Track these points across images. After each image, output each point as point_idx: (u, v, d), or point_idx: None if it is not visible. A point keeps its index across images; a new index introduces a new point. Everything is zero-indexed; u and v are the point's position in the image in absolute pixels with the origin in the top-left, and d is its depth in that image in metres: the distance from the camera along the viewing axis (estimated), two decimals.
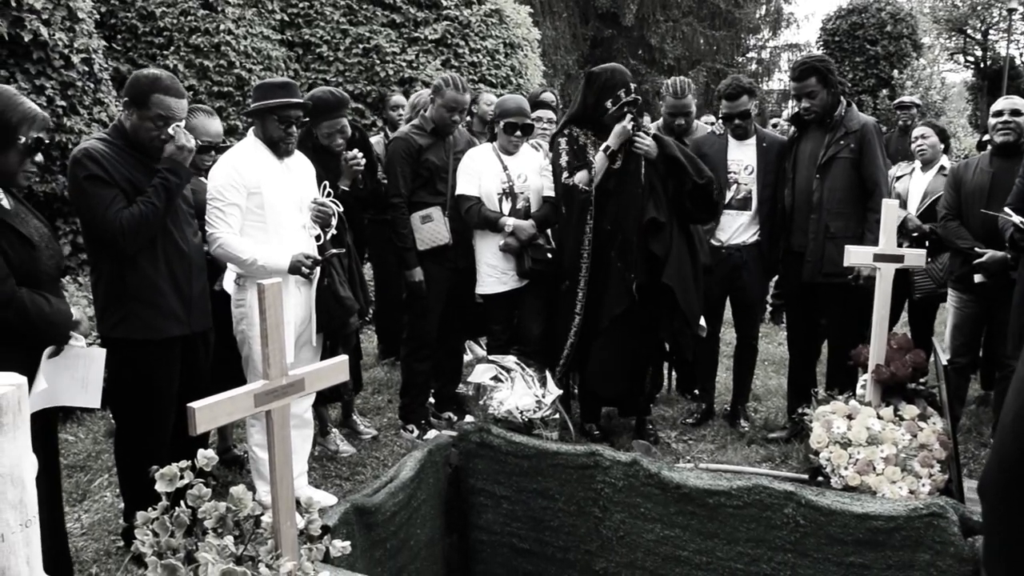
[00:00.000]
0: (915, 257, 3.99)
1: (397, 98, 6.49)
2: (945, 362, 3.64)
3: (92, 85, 6.95)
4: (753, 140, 5.09)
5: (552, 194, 4.91)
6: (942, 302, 5.42)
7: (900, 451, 3.53)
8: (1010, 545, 1.29)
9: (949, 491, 3.44)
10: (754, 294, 5.28)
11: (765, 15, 32.59)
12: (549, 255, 4.83)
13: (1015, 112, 4.69)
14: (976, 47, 36.67)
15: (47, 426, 2.98)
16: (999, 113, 4.75)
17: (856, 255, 3.97)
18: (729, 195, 5.06)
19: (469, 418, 5.01)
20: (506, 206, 4.85)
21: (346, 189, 4.50)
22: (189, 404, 1.96)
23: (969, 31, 36.18)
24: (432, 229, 4.83)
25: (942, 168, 5.60)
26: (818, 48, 19.30)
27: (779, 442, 5.02)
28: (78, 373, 3.00)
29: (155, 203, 3.26)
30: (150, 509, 2.02)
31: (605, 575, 3.52)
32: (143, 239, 3.29)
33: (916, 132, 5.84)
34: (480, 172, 4.86)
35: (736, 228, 5.08)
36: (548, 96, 5.97)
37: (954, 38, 36.84)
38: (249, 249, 3.72)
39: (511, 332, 5.03)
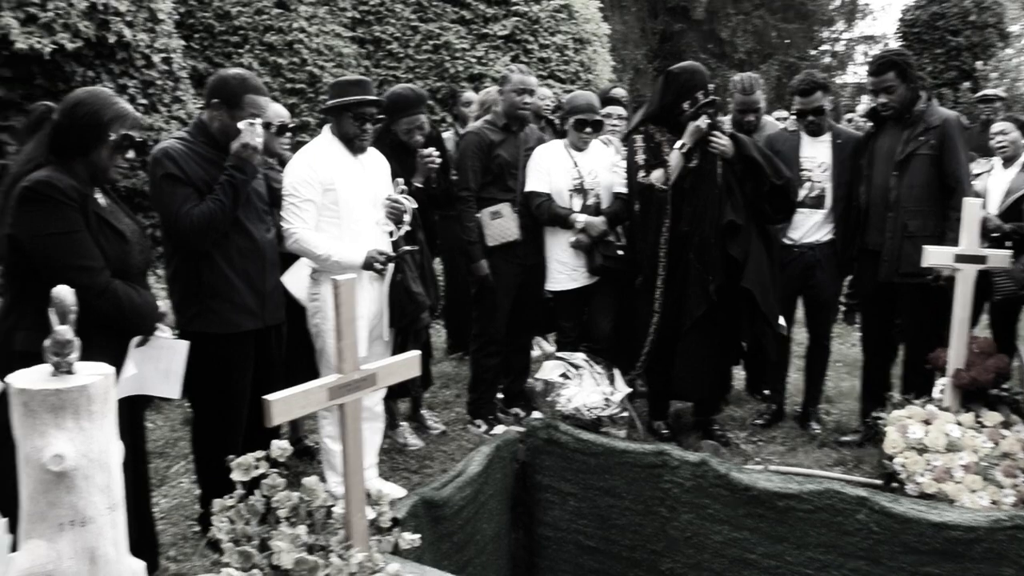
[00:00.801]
0: (999, 258, 3.87)
1: (468, 94, 6.52)
2: None
3: (171, 83, 7.14)
4: (827, 137, 4.99)
5: (623, 190, 4.89)
6: None
7: (981, 459, 3.43)
8: None
9: None
10: (827, 293, 5.18)
11: (840, 6, 31.78)
12: (620, 252, 4.82)
13: None
14: None
15: (134, 413, 3.09)
16: None
17: (936, 255, 3.87)
18: (802, 193, 4.97)
19: (537, 414, 5.02)
20: (576, 202, 4.85)
21: (419, 186, 4.54)
22: (265, 396, 2.00)
23: None
24: (502, 225, 4.84)
25: None
26: (896, 40, 18.76)
27: (852, 446, 4.92)
28: (162, 364, 3.09)
29: (222, 200, 3.31)
30: (226, 497, 2.07)
31: None
32: (212, 236, 3.35)
33: (995, 128, 5.64)
34: (550, 169, 4.87)
35: (809, 227, 4.98)
36: (618, 92, 5.95)
37: None
38: (324, 244, 3.79)
39: (580, 329, 5.03)
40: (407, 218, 4.12)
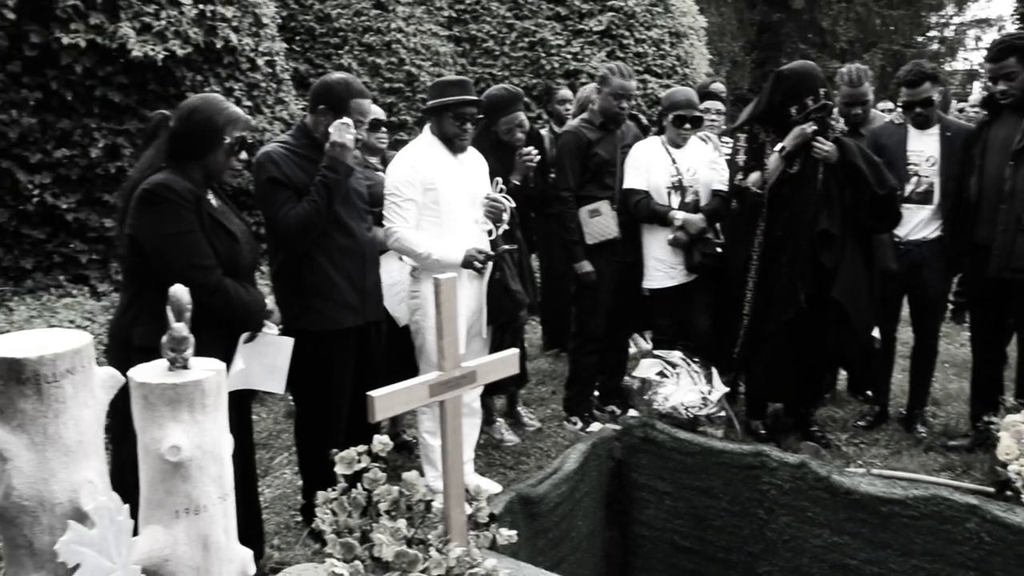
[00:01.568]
0: None
1: (564, 92, 6.52)
2: None
3: (274, 85, 7.37)
4: (936, 129, 4.81)
5: (722, 187, 4.83)
6: None
7: None
8: None
9: None
10: (935, 291, 4.99)
11: None
12: (719, 249, 4.76)
13: None
14: None
15: (242, 407, 3.20)
16: None
17: None
18: (909, 188, 4.81)
19: (633, 412, 5.01)
20: (675, 200, 4.81)
21: (517, 183, 4.57)
22: (369, 392, 2.05)
23: None
24: (600, 223, 4.83)
25: None
26: (1012, 22, 17.89)
27: (960, 451, 4.73)
28: (267, 359, 3.20)
29: (317, 201, 3.37)
30: (330, 490, 2.13)
31: None
32: (311, 236, 3.42)
33: None
34: (648, 166, 4.83)
35: (916, 223, 4.82)
36: (717, 87, 5.87)
37: None
38: (424, 243, 3.86)
39: (677, 327, 4.99)
40: (506, 217, 4.16)
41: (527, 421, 5.27)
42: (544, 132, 6.09)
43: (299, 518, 4.03)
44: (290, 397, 4.58)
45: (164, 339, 1.76)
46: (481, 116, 4.45)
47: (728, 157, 5.19)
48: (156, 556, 1.71)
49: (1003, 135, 4.47)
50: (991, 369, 4.78)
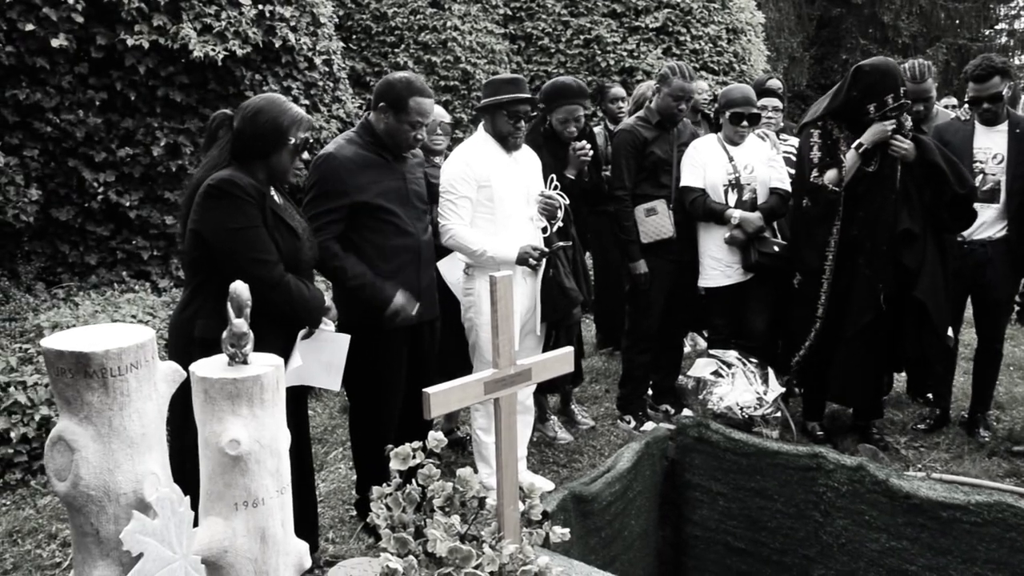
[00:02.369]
0: None
1: (617, 90, 6.49)
2: None
3: (332, 84, 7.46)
4: (1004, 126, 4.68)
5: (780, 185, 4.76)
6: None
7: None
8: None
9: None
10: (1000, 293, 4.85)
11: None
12: (776, 248, 4.69)
13: None
14: None
15: (298, 402, 3.25)
16: None
17: None
18: None
19: (687, 412, 4.98)
20: (732, 198, 4.75)
21: (571, 178, 4.56)
22: (425, 389, 2.07)
23: None
24: (656, 222, 4.80)
25: None
26: None
27: None
28: (324, 356, 3.23)
29: (347, 272, 3.38)
30: (384, 485, 2.15)
31: None
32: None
33: None
34: (705, 163, 4.79)
35: (981, 222, 4.68)
36: (774, 83, 5.78)
37: None
38: (479, 240, 3.87)
39: (734, 326, 4.93)
40: (560, 214, 4.16)
41: (581, 419, 5.27)
42: (598, 130, 6.07)
43: (353, 512, 4.07)
44: (345, 393, 4.63)
45: (224, 334, 1.79)
46: (540, 105, 4.45)
47: (785, 154, 5.13)
48: (216, 547, 1.75)
49: None
50: None
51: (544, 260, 4.03)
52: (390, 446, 2.17)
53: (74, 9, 5.79)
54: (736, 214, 4.67)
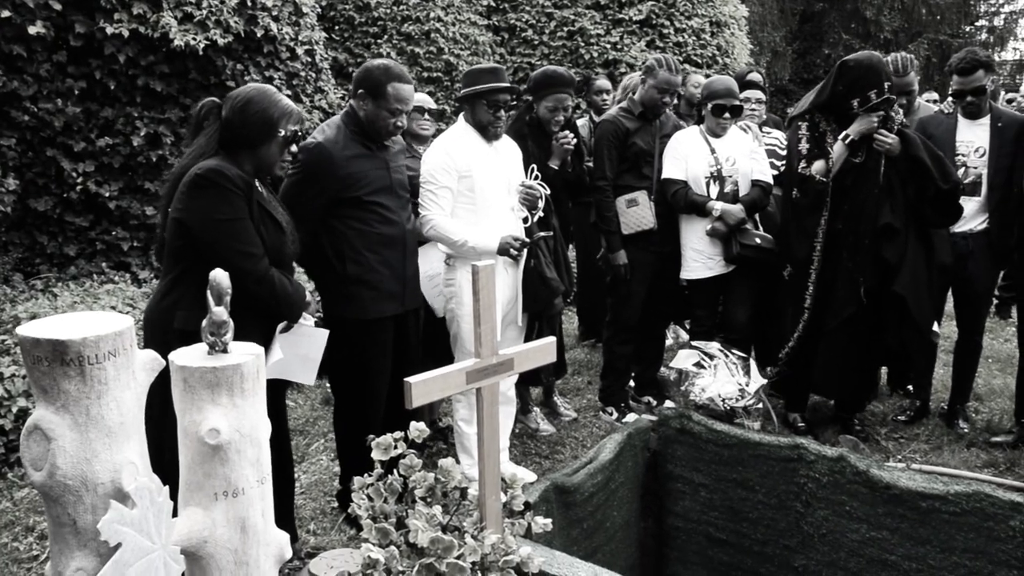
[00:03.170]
0: None
1: (601, 82, 6.49)
2: None
3: (314, 75, 7.41)
4: (987, 119, 4.71)
5: (761, 177, 4.78)
6: None
7: None
8: None
9: None
10: (980, 286, 4.89)
11: None
12: (758, 240, 4.71)
13: None
14: None
15: (277, 393, 3.23)
16: None
17: None
18: None
19: (669, 403, 4.98)
20: (714, 190, 4.76)
21: (555, 168, 4.56)
22: (406, 379, 2.06)
23: None
24: (637, 213, 4.80)
25: None
26: None
27: (1004, 447, 4.66)
28: (301, 350, 3.21)
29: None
30: (366, 475, 2.14)
31: (805, 573, 3.41)
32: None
33: None
34: (687, 155, 4.79)
35: (963, 215, 4.72)
36: (756, 76, 5.80)
37: None
38: (460, 231, 3.86)
39: (715, 318, 4.95)
40: (541, 204, 4.15)
41: (563, 411, 5.27)
42: (583, 122, 6.06)
43: (335, 504, 4.06)
44: (327, 384, 4.61)
45: (204, 323, 1.78)
46: (528, 94, 4.44)
47: (768, 147, 5.14)
48: (195, 537, 1.74)
49: None
50: None
51: (525, 250, 4.02)
52: (371, 436, 2.16)
53: None
54: (718, 206, 4.68)
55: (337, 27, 9.73)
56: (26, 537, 3.81)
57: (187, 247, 2.87)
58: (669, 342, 5.97)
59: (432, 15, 9.82)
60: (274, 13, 6.77)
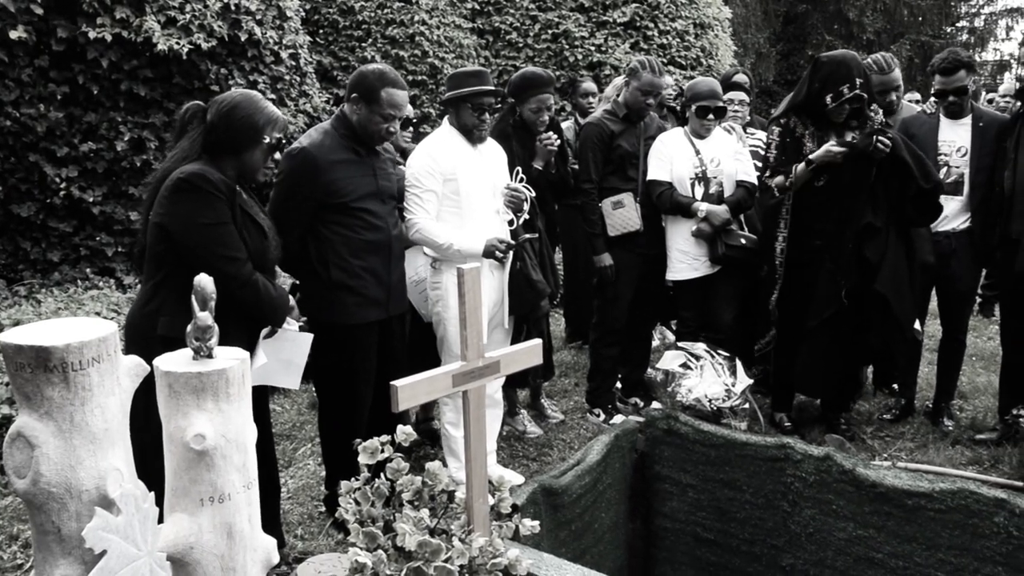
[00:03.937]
0: None
1: (588, 85, 6.50)
2: None
3: (298, 78, 7.40)
4: (968, 119, 4.73)
5: (746, 178, 4.80)
6: None
7: None
8: None
9: None
10: (963, 285, 4.92)
11: None
12: (743, 241, 4.73)
13: None
14: None
15: (261, 398, 3.21)
16: None
17: None
18: None
19: (656, 404, 4.99)
20: (699, 191, 4.77)
21: (539, 169, 4.56)
22: (392, 383, 2.05)
23: None
24: (623, 215, 4.81)
25: None
26: None
27: (988, 444, 4.69)
28: (284, 355, 3.20)
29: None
30: (353, 479, 2.13)
31: (792, 572, 3.42)
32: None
33: None
34: (672, 157, 4.80)
35: (945, 215, 4.72)
36: (740, 77, 5.81)
37: None
38: (445, 234, 3.86)
39: (701, 319, 4.96)
40: (526, 207, 4.15)
41: (550, 413, 5.27)
42: (568, 124, 6.07)
43: (322, 508, 4.05)
44: (313, 388, 4.59)
45: (189, 328, 1.77)
46: (510, 97, 4.45)
47: (752, 148, 5.17)
48: (181, 544, 1.73)
49: None
50: (1020, 363, 4.72)
51: (511, 253, 4.02)
52: (358, 440, 2.15)
53: (33, 0, 5.69)
54: (703, 207, 4.69)
55: (321, 31, 9.71)
56: (10, 546, 3.78)
57: (169, 252, 2.84)
58: (655, 343, 5.98)
59: (416, 18, 9.81)
60: (258, 17, 6.76)
